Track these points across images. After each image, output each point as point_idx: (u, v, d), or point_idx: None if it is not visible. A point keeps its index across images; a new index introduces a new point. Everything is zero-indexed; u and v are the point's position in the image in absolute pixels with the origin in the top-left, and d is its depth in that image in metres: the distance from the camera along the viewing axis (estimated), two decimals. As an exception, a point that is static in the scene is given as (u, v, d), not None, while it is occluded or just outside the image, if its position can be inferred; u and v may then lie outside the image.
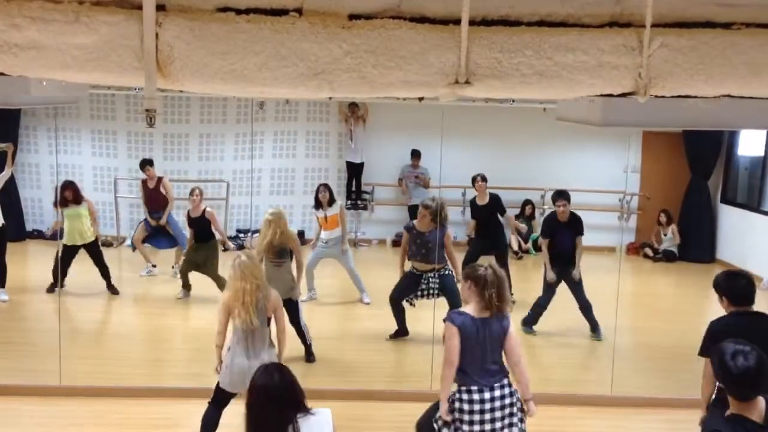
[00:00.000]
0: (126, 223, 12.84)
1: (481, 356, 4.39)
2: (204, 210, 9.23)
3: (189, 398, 6.50)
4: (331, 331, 8.30)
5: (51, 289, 9.25)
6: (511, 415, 4.44)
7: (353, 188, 13.20)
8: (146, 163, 10.66)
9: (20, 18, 2.79)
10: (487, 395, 4.37)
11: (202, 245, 9.22)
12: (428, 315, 7.83)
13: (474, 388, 4.37)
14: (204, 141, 12.89)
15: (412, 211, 12.88)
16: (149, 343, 8.10)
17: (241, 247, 12.55)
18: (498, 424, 4.38)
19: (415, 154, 12.89)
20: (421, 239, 7.75)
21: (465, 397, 4.37)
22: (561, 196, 8.29)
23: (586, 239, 12.29)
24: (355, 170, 13.15)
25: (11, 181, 10.62)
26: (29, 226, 12.86)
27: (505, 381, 4.47)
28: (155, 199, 10.53)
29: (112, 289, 9.57)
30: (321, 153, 13.40)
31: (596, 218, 12.92)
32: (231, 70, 2.94)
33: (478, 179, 9.60)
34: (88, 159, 12.85)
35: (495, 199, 9.57)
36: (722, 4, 3.01)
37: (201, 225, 9.21)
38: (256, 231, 11.76)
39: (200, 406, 6.33)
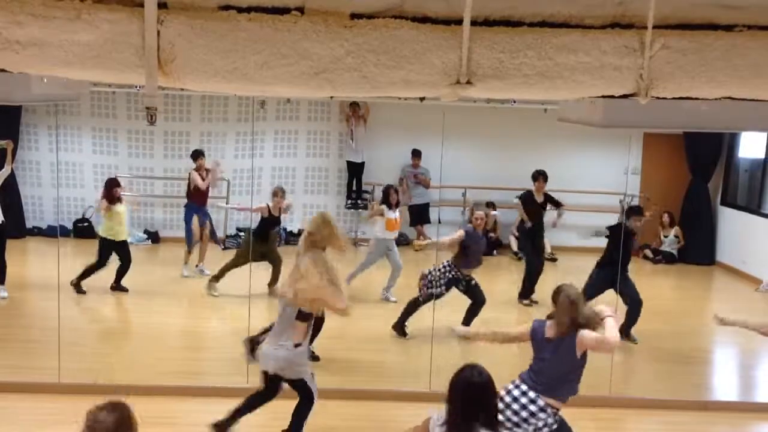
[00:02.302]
0: (126, 221, 12.80)
1: None
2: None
3: (187, 396, 6.52)
4: (330, 331, 8.29)
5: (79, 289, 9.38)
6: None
7: (354, 188, 13.19)
8: (200, 154, 10.72)
9: (22, 15, 2.80)
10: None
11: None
12: (428, 315, 7.84)
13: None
14: (205, 139, 12.87)
15: (413, 211, 12.91)
16: (149, 341, 8.08)
17: (239, 246, 12.56)
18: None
19: (416, 154, 12.88)
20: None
21: None
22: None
23: (585, 241, 12.32)
24: (355, 170, 13.14)
25: (11, 179, 10.61)
26: (29, 224, 12.84)
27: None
28: (206, 193, 10.69)
29: (121, 287, 9.60)
30: (322, 152, 13.39)
31: (596, 219, 12.92)
32: (232, 68, 2.94)
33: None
34: (89, 157, 12.84)
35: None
36: (724, 6, 3.00)
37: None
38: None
39: (198, 404, 6.34)
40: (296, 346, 5.25)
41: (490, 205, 12.67)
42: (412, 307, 8.20)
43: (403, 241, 12.96)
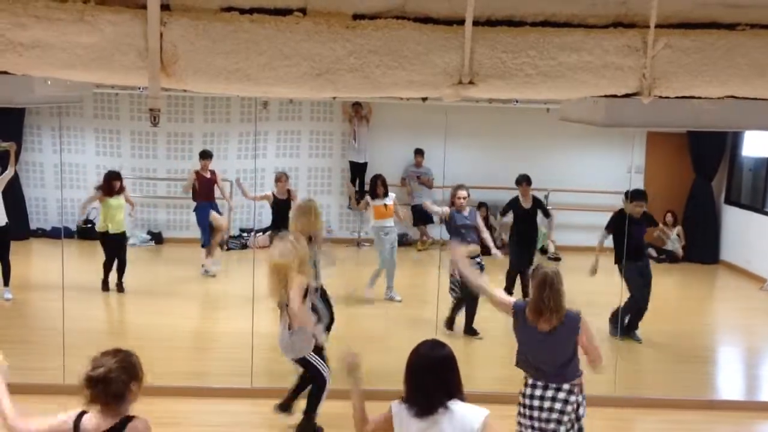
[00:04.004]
0: (129, 221, 12.83)
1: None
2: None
3: (191, 397, 6.52)
4: (333, 331, 8.30)
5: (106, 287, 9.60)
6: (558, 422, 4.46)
7: (356, 188, 13.19)
8: (206, 155, 10.89)
9: (25, 17, 2.80)
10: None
11: None
12: (431, 315, 7.85)
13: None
14: (208, 140, 12.88)
15: (416, 211, 12.90)
16: (152, 342, 8.08)
17: (244, 247, 12.56)
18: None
19: (419, 153, 12.87)
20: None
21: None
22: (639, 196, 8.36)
23: (590, 239, 12.25)
24: (358, 170, 13.14)
25: (15, 180, 10.62)
26: (33, 225, 12.87)
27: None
28: (211, 189, 10.88)
29: (119, 287, 9.65)
30: (324, 152, 13.39)
31: (599, 219, 12.88)
32: (235, 69, 2.94)
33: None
34: (92, 158, 12.86)
35: None
36: (727, 6, 3.00)
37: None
38: (260, 230, 11.81)
39: (202, 405, 6.34)
40: (289, 328, 5.53)
41: (483, 206, 12.67)
42: (456, 306, 8.32)
43: (406, 240, 12.99)
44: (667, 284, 11.84)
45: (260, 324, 7.30)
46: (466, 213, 8.29)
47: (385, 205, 9.67)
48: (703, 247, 12.85)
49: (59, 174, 12.41)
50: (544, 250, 12.82)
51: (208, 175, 10.76)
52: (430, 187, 12.87)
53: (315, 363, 5.63)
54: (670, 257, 12.85)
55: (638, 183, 13.12)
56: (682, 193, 13.21)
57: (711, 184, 13.07)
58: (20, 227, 11.86)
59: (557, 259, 12.21)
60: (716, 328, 10.08)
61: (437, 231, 12.54)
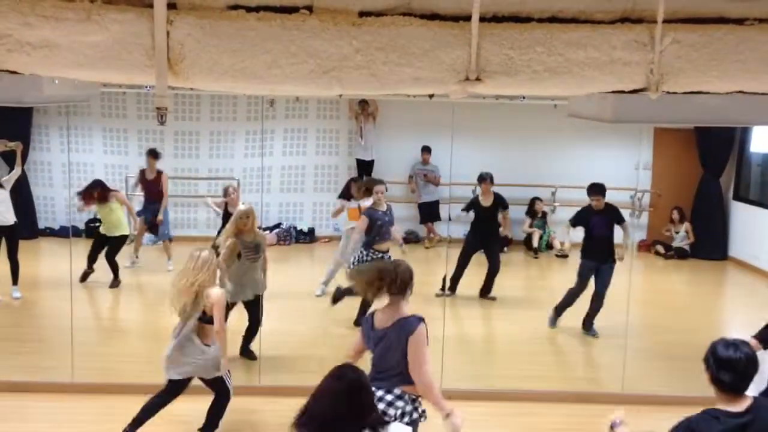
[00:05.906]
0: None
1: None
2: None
3: (199, 395, 6.53)
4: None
5: (84, 278, 9.56)
6: None
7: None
8: (154, 155, 10.74)
9: (33, 17, 2.81)
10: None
11: None
12: (437, 312, 7.84)
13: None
14: (214, 138, 12.91)
15: (423, 209, 12.90)
16: (161, 341, 8.11)
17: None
18: None
19: (426, 150, 12.86)
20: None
21: None
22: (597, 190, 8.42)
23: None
24: (365, 168, 13.14)
25: (23, 180, 10.67)
26: (41, 224, 12.92)
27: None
28: (153, 191, 10.73)
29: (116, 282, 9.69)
30: (331, 150, 13.40)
31: (607, 215, 12.88)
32: (241, 67, 2.94)
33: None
34: (100, 157, 12.90)
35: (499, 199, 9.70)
36: (734, 0, 2.99)
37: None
38: (266, 228, 11.82)
39: (208, 404, 6.36)
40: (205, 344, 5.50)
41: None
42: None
43: (413, 238, 12.98)
44: (675, 281, 11.82)
45: (267, 321, 7.31)
46: (384, 209, 8.30)
47: (360, 207, 9.53)
48: (711, 244, 12.80)
49: (67, 173, 12.45)
50: (550, 246, 12.80)
51: (150, 177, 10.61)
52: (436, 185, 12.86)
53: (227, 379, 5.57)
54: (679, 254, 12.82)
55: (646, 179, 13.11)
56: (690, 189, 13.16)
57: (719, 180, 13.01)
58: (29, 226, 11.91)
59: (564, 256, 12.20)
60: (725, 324, 10.05)
61: (444, 229, 12.54)
